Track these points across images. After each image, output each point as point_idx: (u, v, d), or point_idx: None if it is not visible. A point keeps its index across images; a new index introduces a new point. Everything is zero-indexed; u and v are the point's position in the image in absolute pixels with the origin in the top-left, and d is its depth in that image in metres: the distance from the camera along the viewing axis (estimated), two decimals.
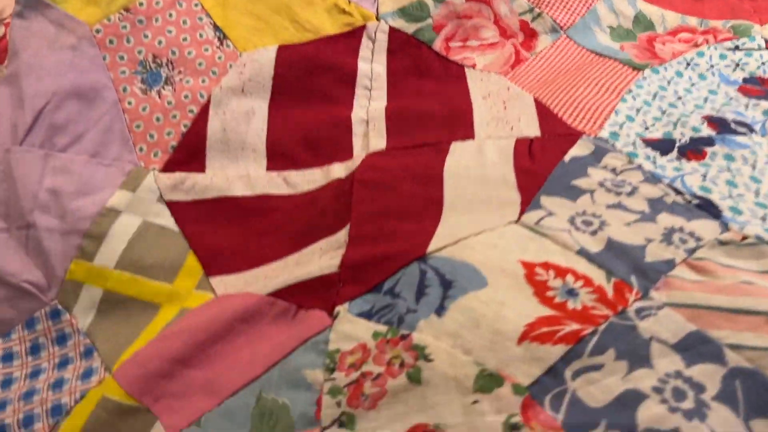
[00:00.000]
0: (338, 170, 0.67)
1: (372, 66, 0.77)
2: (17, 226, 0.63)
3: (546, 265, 0.53)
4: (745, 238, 0.55)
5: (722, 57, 0.78)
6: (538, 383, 0.46)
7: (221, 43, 0.76)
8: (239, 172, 0.69)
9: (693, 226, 0.57)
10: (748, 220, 0.56)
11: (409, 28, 0.80)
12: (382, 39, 0.79)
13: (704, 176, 0.62)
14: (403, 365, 0.47)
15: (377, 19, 0.80)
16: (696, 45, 0.80)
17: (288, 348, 0.52)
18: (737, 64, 0.76)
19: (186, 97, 0.72)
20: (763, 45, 0.79)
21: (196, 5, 0.76)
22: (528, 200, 0.60)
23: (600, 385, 0.46)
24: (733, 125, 0.68)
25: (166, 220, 0.65)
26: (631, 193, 0.61)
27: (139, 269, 0.61)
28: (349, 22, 0.79)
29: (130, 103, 0.72)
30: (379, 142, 0.69)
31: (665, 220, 0.58)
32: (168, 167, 0.69)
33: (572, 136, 0.68)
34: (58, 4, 0.73)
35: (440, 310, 0.49)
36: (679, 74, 0.76)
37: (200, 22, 0.76)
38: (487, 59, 0.80)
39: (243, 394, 0.51)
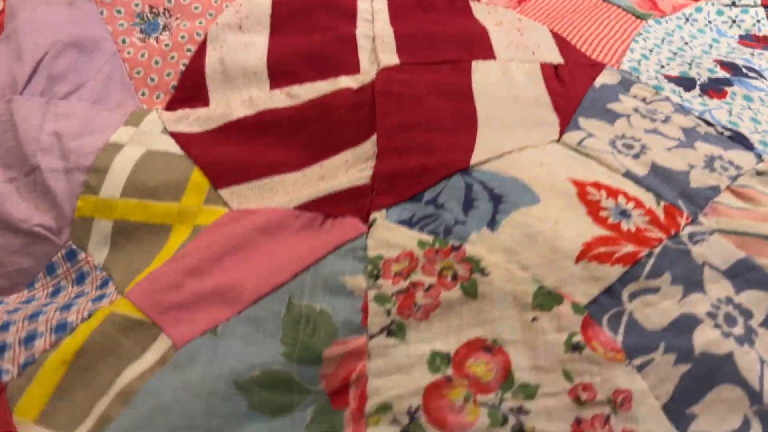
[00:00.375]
0: (346, 81, 0.63)
1: (372, 4, 0.73)
2: (24, 173, 0.60)
3: (597, 185, 0.51)
4: None
5: (719, 13, 0.78)
6: (596, 303, 0.44)
7: None
8: (242, 97, 0.65)
9: (730, 156, 0.56)
10: None
11: None
12: None
13: (730, 112, 0.62)
14: (457, 277, 0.44)
15: None
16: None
17: (318, 254, 0.48)
18: (734, 21, 0.77)
19: (182, 37, 0.70)
20: (759, 1, 0.79)
21: None
22: (566, 121, 0.57)
23: (657, 309, 0.44)
24: (744, 70, 0.68)
25: (171, 147, 0.61)
26: (665, 121, 0.59)
27: (144, 194, 0.58)
28: None
29: (129, 52, 0.70)
30: (390, 57, 0.65)
31: (703, 148, 0.56)
32: (171, 106, 0.66)
33: (596, 66, 0.66)
34: None
35: (493, 224, 0.47)
36: (680, 27, 0.76)
37: None
38: None
39: (268, 302, 0.47)
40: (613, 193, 0.50)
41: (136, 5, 0.71)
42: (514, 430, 0.39)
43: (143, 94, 0.68)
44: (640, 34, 0.72)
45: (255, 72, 0.67)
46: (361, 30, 0.68)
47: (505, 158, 0.52)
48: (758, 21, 0.77)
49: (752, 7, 0.79)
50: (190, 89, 0.67)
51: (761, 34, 0.76)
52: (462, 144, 0.53)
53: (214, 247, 0.52)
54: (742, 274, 0.47)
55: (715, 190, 0.52)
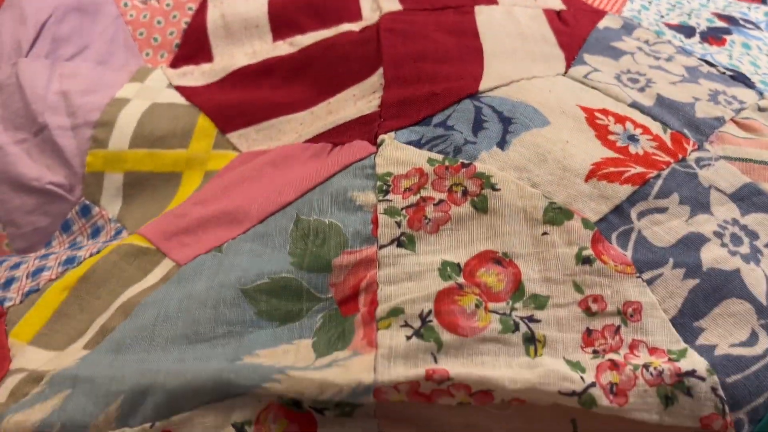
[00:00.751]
0: (349, 27, 0.64)
1: None
2: (33, 133, 0.61)
3: (605, 112, 0.51)
4: None
5: None
6: (606, 220, 0.44)
7: None
8: (245, 50, 0.66)
9: (733, 92, 0.57)
10: None
11: None
12: None
13: (730, 56, 0.63)
14: (467, 193, 0.44)
15: None
16: None
17: (325, 174, 0.48)
18: None
19: None
20: None
21: None
22: (572, 57, 0.58)
23: (665, 227, 0.45)
24: (741, 22, 0.70)
25: (176, 99, 0.63)
26: (669, 60, 0.60)
27: (152, 143, 0.59)
28: None
29: (131, 15, 0.71)
30: (392, 4, 0.65)
31: (707, 84, 0.57)
32: (175, 64, 0.67)
33: (598, 12, 0.67)
34: None
35: (503, 144, 0.47)
36: None
37: None
38: None
39: (275, 219, 0.47)
40: (621, 119, 0.51)
41: None
42: (525, 338, 0.40)
43: (147, 55, 0.68)
44: None
45: (257, 25, 0.67)
46: None
47: (514, 85, 0.53)
48: None
49: None
50: (193, 46, 0.68)
51: None
52: (470, 73, 0.53)
53: (223, 181, 0.53)
54: (748, 198, 0.47)
55: (720, 120, 0.53)
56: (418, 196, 0.45)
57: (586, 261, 0.42)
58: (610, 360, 0.39)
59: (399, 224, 0.44)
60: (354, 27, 0.63)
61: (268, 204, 0.47)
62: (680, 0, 0.73)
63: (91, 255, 0.52)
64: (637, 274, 0.42)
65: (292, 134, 0.56)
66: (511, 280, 0.42)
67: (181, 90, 0.63)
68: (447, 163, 0.46)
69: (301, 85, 0.59)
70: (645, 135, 0.50)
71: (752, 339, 0.41)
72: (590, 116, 0.50)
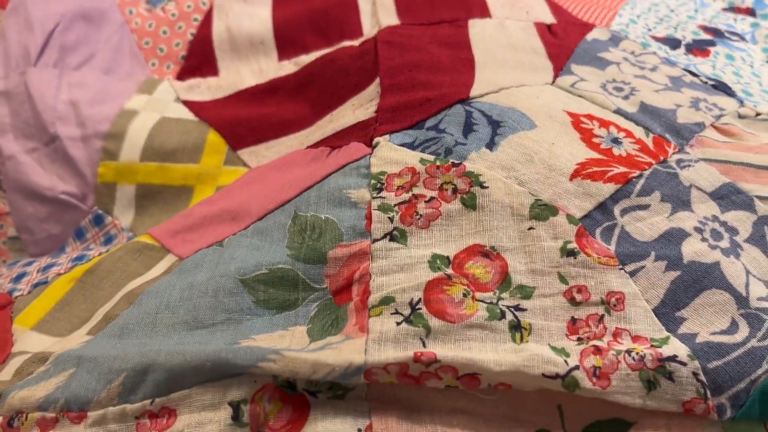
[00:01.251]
0: (350, 43, 0.66)
1: None
2: (44, 143, 0.63)
3: (590, 117, 0.53)
4: (758, 114, 0.58)
5: None
6: (590, 217, 0.46)
7: None
8: (251, 67, 0.68)
9: (714, 99, 0.59)
10: (758, 101, 0.60)
11: None
12: None
13: (713, 66, 0.65)
14: (457, 191, 0.46)
15: None
16: None
17: (322, 173, 0.50)
18: None
19: (189, 7, 0.73)
20: None
21: None
22: (560, 67, 0.61)
23: (647, 223, 0.47)
24: (726, 34, 0.72)
25: (184, 114, 0.65)
26: (653, 69, 0.63)
27: (163, 157, 0.61)
28: None
29: (136, 23, 0.72)
30: (390, 19, 0.67)
31: (689, 92, 0.60)
32: (181, 76, 0.69)
33: (587, 25, 0.69)
34: None
35: (491, 145, 0.49)
36: None
37: None
38: None
39: (274, 215, 0.49)
40: (605, 124, 0.53)
41: None
42: (511, 325, 0.41)
43: (153, 65, 0.71)
44: (628, 3, 0.75)
45: (262, 41, 0.70)
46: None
47: (503, 92, 0.55)
48: None
49: None
50: (199, 58, 0.70)
51: (744, 6, 0.78)
52: (462, 80, 0.56)
53: (230, 186, 0.56)
54: (727, 197, 0.49)
55: (701, 126, 0.55)
56: (410, 194, 0.47)
57: (570, 254, 0.44)
58: (594, 346, 0.40)
59: (392, 219, 0.46)
60: (354, 42, 0.65)
61: (268, 202, 0.50)
62: (668, 14, 0.75)
63: (99, 254, 0.54)
64: (620, 266, 0.44)
65: (297, 146, 0.59)
66: (498, 271, 0.43)
67: (189, 105, 0.65)
68: (438, 163, 0.48)
69: (306, 100, 0.62)
70: (628, 138, 0.52)
71: (732, 327, 0.42)
72: (576, 120, 0.52)
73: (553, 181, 0.47)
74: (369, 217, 0.46)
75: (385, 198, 0.47)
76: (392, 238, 0.45)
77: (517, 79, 0.58)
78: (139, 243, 0.52)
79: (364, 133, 0.53)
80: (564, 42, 0.64)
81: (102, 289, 0.49)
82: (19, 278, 0.55)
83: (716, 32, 0.72)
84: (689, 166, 0.51)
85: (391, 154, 0.49)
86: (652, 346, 0.41)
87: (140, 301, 0.45)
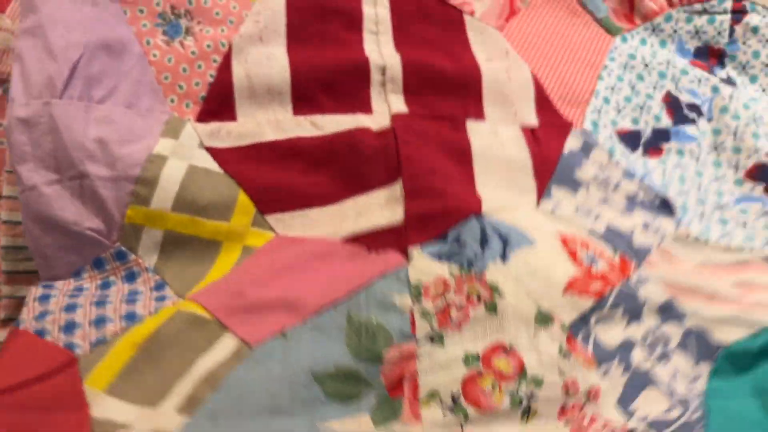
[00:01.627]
0: (365, 121, 0.72)
1: (376, 10, 0.79)
2: (69, 177, 0.64)
3: (573, 238, 0.66)
4: (688, 235, 0.71)
5: (688, 21, 0.83)
6: (574, 325, 0.61)
7: None
8: (268, 117, 0.72)
9: (658, 222, 0.71)
10: (691, 218, 0.72)
11: None
12: None
13: (663, 172, 0.75)
14: (481, 298, 0.59)
15: None
16: (671, 4, 0.85)
17: (367, 277, 0.60)
18: (697, 31, 0.83)
19: (208, 46, 0.74)
20: (729, 8, 0.83)
21: None
22: (542, 189, 0.71)
23: (610, 333, 0.62)
24: (685, 110, 0.79)
25: (210, 163, 0.68)
26: (615, 188, 0.73)
27: (195, 211, 0.65)
28: None
29: (155, 55, 0.72)
30: (398, 103, 0.74)
31: (640, 215, 0.71)
32: (201, 117, 0.71)
33: (565, 127, 0.77)
34: None
35: (504, 258, 0.61)
36: (643, 42, 0.83)
37: None
38: (484, 5, 0.83)
39: (330, 314, 0.59)
40: (585, 244, 0.66)
41: (158, 4, 0.73)
42: (523, 411, 0.56)
43: (172, 101, 0.72)
44: (606, 66, 0.81)
45: (279, 92, 0.73)
46: (373, 59, 0.75)
47: (505, 212, 0.67)
48: (719, 33, 0.83)
49: (720, 14, 0.83)
50: (219, 102, 0.72)
51: (718, 47, 0.83)
52: (471, 194, 0.67)
53: (270, 265, 0.62)
54: (666, 311, 0.64)
55: (650, 248, 0.68)
56: (444, 302, 0.59)
57: (565, 354, 0.58)
58: (578, 426, 0.56)
59: (431, 324, 0.58)
60: (370, 123, 0.72)
61: (321, 297, 0.59)
62: (641, 73, 0.81)
63: (150, 313, 0.59)
64: (597, 367, 0.59)
65: (324, 226, 0.66)
66: (517, 365, 0.57)
67: (213, 153, 0.69)
68: (464, 274, 0.60)
69: (328, 176, 0.69)
70: (602, 258, 0.66)
71: (670, 409, 0.59)
72: (564, 239, 0.66)
73: (551, 295, 0.61)
74: (413, 322, 0.58)
75: (424, 306, 0.59)
76: (433, 340, 0.58)
77: (513, 200, 0.69)
78: (194, 315, 0.58)
79: (397, 239, 0.63)
80: (548, 154, 0.73)
81: (168, 360, 0.55)
82: (70, 329, 0.57)
83: (676, 109, 0.79)
84: (643, 283, 0.64)
85: (425, 266, 0.61)
86: (620, 425, 0.57)
87: (224, 388, 0.54)
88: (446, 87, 0.76)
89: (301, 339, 0.57)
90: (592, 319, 0.61)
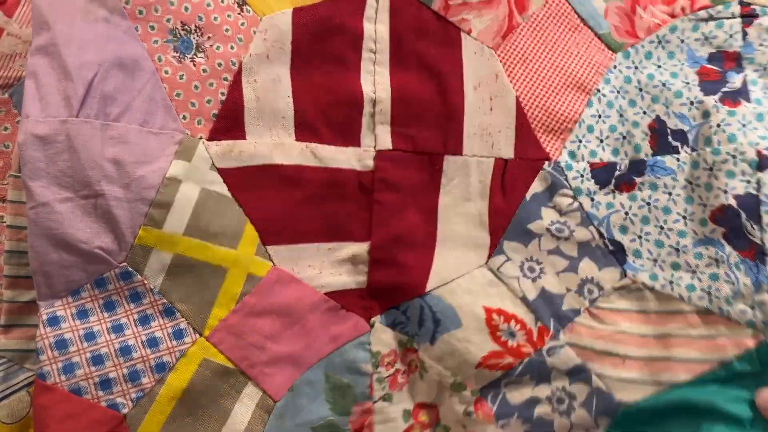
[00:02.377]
0: (353, 158, 0.78)
1: (376, 27, 0.80)
2: (82, 195, 0.66)
3: (499, 311, 0.72)
4: (635, 282, 0.71)
5: (694, 29, 0.79)
6: (484, 389, 0.71)
7: (241, 9, 0.79)
8: (274, 139, 0.76)
9: (601, 275, 0.72)
10: (643, 264, 0.71)
11: None
12: None
13: (626, 213, 0.73)
14: (417, 366, 0.73)
15: None
16: (672, 15, 0.81)
17: (342, 341, 0.73)
18: (706, 38, 0.78)
19: (219, 65, 0.76)
20: (738, 12, 0.77)
21: None
22: (495, 244, 0.75)
23: (518, 392, 0.70)
24: (670, 138, 0.75)
25: (221, 187, 0.72)
26: (567, 238, 0.73)
27: (206, 237, 0.70)
28: None
29: (167, 72, 0.74)
30: (385, 136, 0.78)
31: (584, 269, 0.72)
32: (213, 136, 0.74)
33: (538, 162, 0.76)
34: None
35: (432, 341, 0.72)
36: (649, 56, 0.79)
37: None
38: (483, 22, 0.81)
39: (315, 370, 0.71)
40: (508, 318, 0.72)
41: (168, 20, 0.74)
42: None
43: (184, 118, 0.74)
44: (599, 91, 0.78)
45: (284, 116, 0.77)
46: (366, 90, 0.79)
47: (448, 286, 0.74)
48: (731, 36, 0.77)
49: (728, 19, 0.78)
50: (230, 122, 0.75)
51: (732, 50, 0.77)
52: (424, 267, 0.74)
53: (281, 315, 0.72)
54: (576, 373, 0.69)
55: (577, 312, 0.71)
56: (393, 369, 0.75)
57: (468, 414, 0.73)
58: None
59: (384, 388, 0.74)
60: (355, 162, 0.76)
61: (313, 355, 0.71)
62: (634, 98, 0.77)
63: (177, 359, 0.67)
64: (496, 422, 0.69)
65: (307, 267, 0.75)
66: (434, 416, 0.73)
67: (224, 175, 0.73)
68: (407, 346, 0.73)
69: (320, 214, 0.76)
70: (521, 330, 0.71)
71: None
72: (489, 317, 0.72)
73: (465, 369, 0.71)
74: (371, 386, 0.72)
75: (380, 372, 0.74)
76: (384, 399, 0.72)
77: (462, 264, 0.75)
78: (219, 366, 0.67)
79: (363, 304, 0.75)
80: (507, 205, 0.76)
81: (206, 408, 0.66)
82: (106, 386, 0.63)
83: (661, 136, 0.75)
84: (555, 352, 0.70)
85: (383, 336, 0.73)
86: None
87: None
88: (431, 119, 0.79)
89: (301, 393, 0.69)
90: (502, 383, 0.71)
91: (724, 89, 0.74)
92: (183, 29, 0.75)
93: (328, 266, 0.76)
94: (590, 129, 0.77)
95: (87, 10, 0.71)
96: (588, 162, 0.75)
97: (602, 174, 0.76)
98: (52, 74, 0.68)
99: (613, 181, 0.75)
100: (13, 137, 0.81)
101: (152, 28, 0.74)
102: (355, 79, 0.80)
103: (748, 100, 0.72)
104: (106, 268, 0.67)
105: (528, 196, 0.75)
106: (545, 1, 0.81)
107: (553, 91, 0.81)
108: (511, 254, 0.74)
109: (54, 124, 0.66)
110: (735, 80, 0.74)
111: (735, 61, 0.76)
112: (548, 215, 0.74)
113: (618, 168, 0.75)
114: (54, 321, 0.65)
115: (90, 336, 0.66)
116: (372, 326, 0.74)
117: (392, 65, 0.81)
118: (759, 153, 0.68)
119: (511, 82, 0.81)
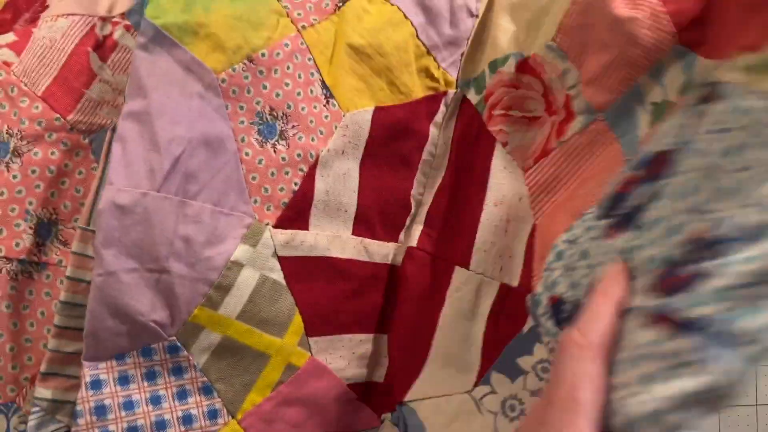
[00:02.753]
0: (392, 252, 0.82)
1: (441, 132, 0.83)
2: (147, 269, 0.68)
3: None
4: None
5: None
6: None
7: (327, 102, 0.81)
8: (333, 232, 0.78)
9: None
10: None
11: (475, 99, 0.83)
12: (455, 107, 0.84)
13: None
14: None
15: (456, 87, 0.84)
16: None
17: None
18: None
19: (298, 155, 0.78)
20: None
21: (309, 59, 0.79)
22: (483, 372, 0.74)
23: None
24: None
25: (279, 275, 0.74)
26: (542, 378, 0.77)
27: (256, 322, 0.72)
28: (434, 87, 0.83)
29: (247, 153, 0.75)
30: (416, 234, 0.82)
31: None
32: (280, 224, 0.76)
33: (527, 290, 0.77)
34: (186, 45, 0.71)
35: None
36: None
37: (311, 78, 0.79)
38: (517, 139, 0.79)
39: None
40: None
41: (258, 103, 0.76)
42: None
43: (255, 201, 0.75)
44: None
45: (346, 210, 0.80)
46: (416, 189, 0.84)
47: (426, 402, 0.75)
48: None
49: None
50: (298, 212, 0.77)
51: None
52: (410, 374, 0.78)
53: (309, 408, 0.75)
54: None
55: None
56: None
57: None
58: None
59: None
60: (391, 255, 0.81)
61: None
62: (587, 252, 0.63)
63: None
64: None
65: (341, 360, 0.79)
66: None
67: (283, 264, 0.75)
68: None
69: (356, 306, 0.79)
70: None
71: None
72: None
73: None
74: None
75: None
76: None
77: (447, 385, 0.75)
78: None
79: (375, 401, 0.78)
80: (501, 336, 0.76)
81: None
82: (96, 386, 0.65)
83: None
84: None
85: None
86: None
87: None
88: (454, 228, 0.81)
89: None
90: None
91: None
92: (270, 114, 0.77)
93: (357, 358, 0.79)
94: (559, 256, 0.67)
95: (184, 83, 0.72)
96: (548, 295, 0.68)
97: (555, 312, 0.69)
98: (140, 143, 0.70)
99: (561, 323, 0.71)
100: (85, 183, 0.82)
101: (241, 108, 0.76)
102: (411, 180, 0.84)
103: None
104: (155, 340, 0.70)
105: (525, 328, 0.71)
106: (584, 127, 0.73)
107: (561, 225, 0.73)
108: (496, 386, 0.73)
109: (135, 195, 0.68)
110: None
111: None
112: (540, 352, 0.70)
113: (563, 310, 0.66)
114: (96, 385, 0.67)
115: (129, 405, 0.68)
116: (382, 422, 0.76)
117: (447, 169, 0.84)
118: None
119: (532, 209, 0.76)
